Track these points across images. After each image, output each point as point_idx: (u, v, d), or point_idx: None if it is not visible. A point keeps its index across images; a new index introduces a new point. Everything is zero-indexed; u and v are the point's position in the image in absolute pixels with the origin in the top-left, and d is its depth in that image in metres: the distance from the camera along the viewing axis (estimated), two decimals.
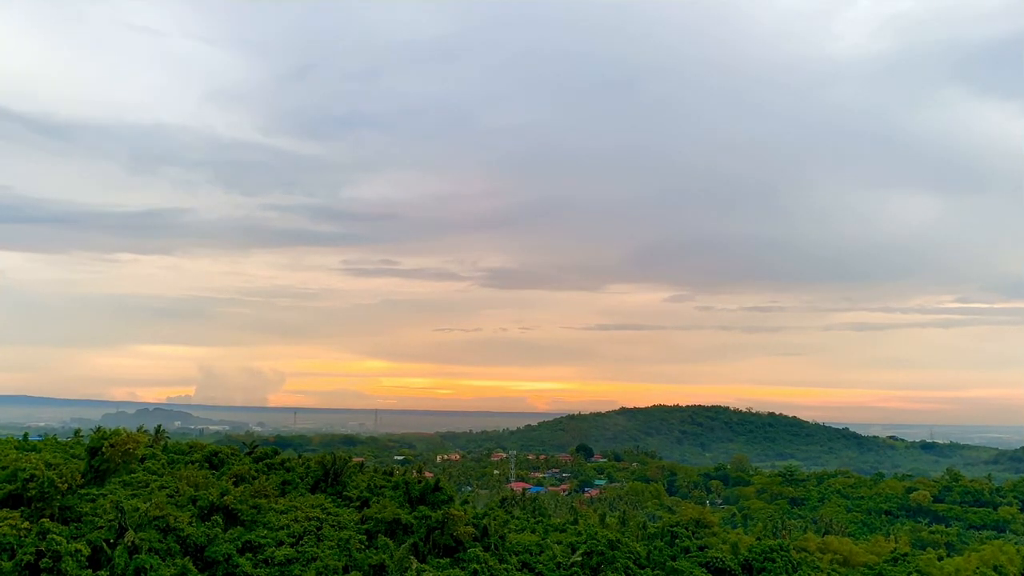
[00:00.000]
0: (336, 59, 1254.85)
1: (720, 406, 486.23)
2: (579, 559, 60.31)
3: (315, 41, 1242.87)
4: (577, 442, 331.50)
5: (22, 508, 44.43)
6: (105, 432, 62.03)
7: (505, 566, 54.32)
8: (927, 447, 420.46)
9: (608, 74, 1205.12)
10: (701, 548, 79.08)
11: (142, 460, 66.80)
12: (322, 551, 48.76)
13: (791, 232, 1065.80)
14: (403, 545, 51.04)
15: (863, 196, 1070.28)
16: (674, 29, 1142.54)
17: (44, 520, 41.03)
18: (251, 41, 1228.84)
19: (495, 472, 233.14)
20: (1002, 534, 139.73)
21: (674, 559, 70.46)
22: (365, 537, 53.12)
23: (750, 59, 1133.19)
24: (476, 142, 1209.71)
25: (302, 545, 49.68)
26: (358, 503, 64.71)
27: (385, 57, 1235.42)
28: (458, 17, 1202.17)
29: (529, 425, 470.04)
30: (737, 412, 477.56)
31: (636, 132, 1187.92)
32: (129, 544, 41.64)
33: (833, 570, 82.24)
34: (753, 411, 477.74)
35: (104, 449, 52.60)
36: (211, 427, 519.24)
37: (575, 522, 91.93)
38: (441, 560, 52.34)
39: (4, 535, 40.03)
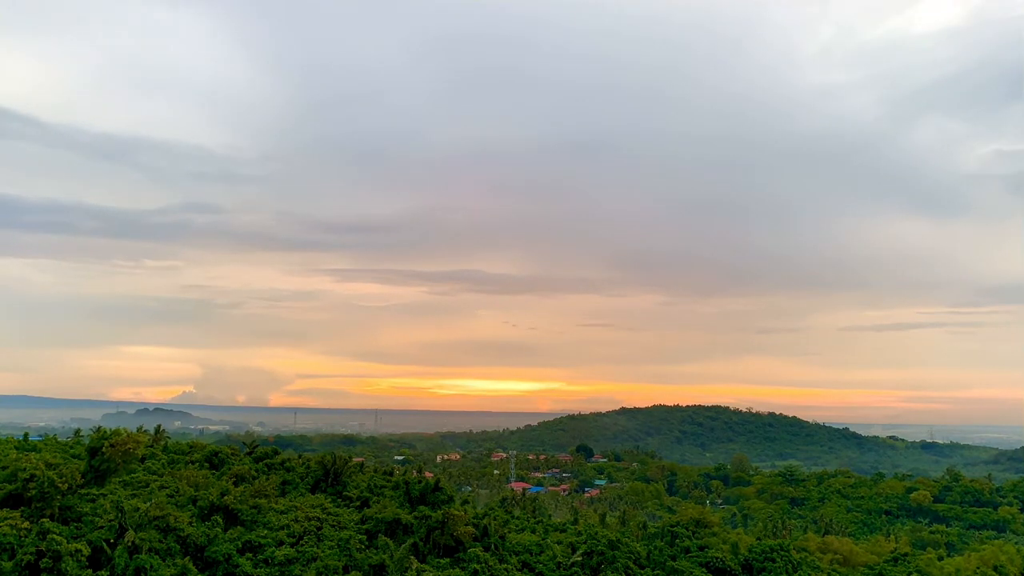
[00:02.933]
0: (337, 82, 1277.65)
1: (720, 406, 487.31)
2: (579, 559, 60.26)
3: (314, 66, 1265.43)
4: (577, 442, 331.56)
5: (22, 508, 44.40)
6: (105, 432, 62.06)
7: (505, 566, 54.27)
8: (927, 447, 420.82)
9: (608, 92, 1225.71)
10: (701, 548, 78.99)
11: (142, 460, 66.84)
12: (322, 551, 48.73)
13: (790, 242, 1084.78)
14: (403, 545, 51.00)
15: (859, 213, 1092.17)
16: (672, 49, 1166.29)
17: (44, 520, 40.99)
18: (256, 66, 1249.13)
19: (495, 472, 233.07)
20: (1002, 534, 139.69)
21: (674, 559, 70.37)
22: (365, 537, 53.08)
23: (742, 81, 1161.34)
24: (473, 155, 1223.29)
25: (302, 545, 49.65)
26: (358, 503, 64.71)
27: (383, 79, 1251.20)
28: (446, 33, 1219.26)
29: (529, 425, 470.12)
30: (737, 412, 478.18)
31: (634, 146, 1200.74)
32: (129, 544, 41.61)
33: (833, 570, 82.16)
34: (753, 411, 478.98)
35: (104, 449, 52.59)
36: (211, 427, 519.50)
37: (575, 522, 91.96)
38: (441, 560, 52.30)
39: (4, 535, 40.00)
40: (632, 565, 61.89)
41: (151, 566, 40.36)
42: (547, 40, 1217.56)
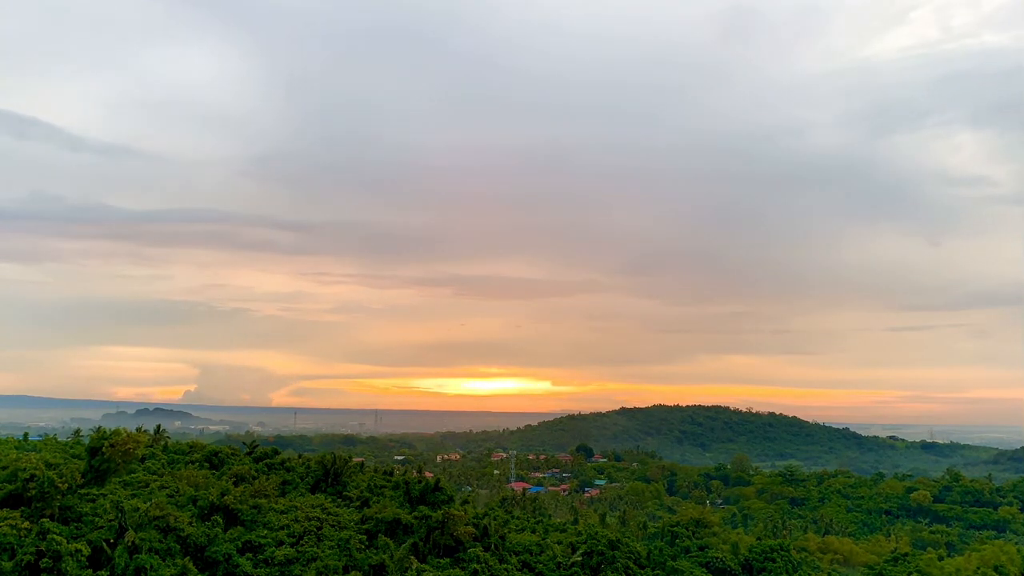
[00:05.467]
0: (335, 90, 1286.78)
1: (720, 406, 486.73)
2: (579, 559, 60.28)
3: (314, 76, 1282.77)
4: (577, 442, 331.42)
5: (22, 508, 44.38)
6: (105, 432, 62.00)
7: (505, 566, 54.30)
8: (927, 447, 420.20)
9: (608, 108, 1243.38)
10: (701, 548, 79.11)
11: (142, 460, 66.86)
12: (322, 551, 48.74)
13: (788, 247, 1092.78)
14: (403, 545, 51.02)
15: (859, 223, 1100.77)
16: (670, 66, 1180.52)
17: (44, 520, 40.99)
18: (257, 77, 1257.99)
19: (495, 472, 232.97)
20: (1002, 534, 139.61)
21: (674, 559, 70.43)
22: (365, 537, 53.07)
23: (740, 99, 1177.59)
24: (476, 162, 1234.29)
25: (302, 545, 49.66)
26: (358, 503, 64.70)
27: (383, 85, 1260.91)
28: (446, 45, 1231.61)
29: (529, 425, 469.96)
30: (737, 412, 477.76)
31: (635, 158, 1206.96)
32: (129, 544, 41.61)
33: (833, 570, 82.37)
34: (753, 411, 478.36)
35: (104, 449, 52.56)
36: (211, 427, 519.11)
37: (575, 522, 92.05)
38: (441, 560, 52.31)
39: (4, 535, 39.99)
40: (632, 565, 61.92)
41: (151, 566, 40.36)
42: (544, 48, 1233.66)
